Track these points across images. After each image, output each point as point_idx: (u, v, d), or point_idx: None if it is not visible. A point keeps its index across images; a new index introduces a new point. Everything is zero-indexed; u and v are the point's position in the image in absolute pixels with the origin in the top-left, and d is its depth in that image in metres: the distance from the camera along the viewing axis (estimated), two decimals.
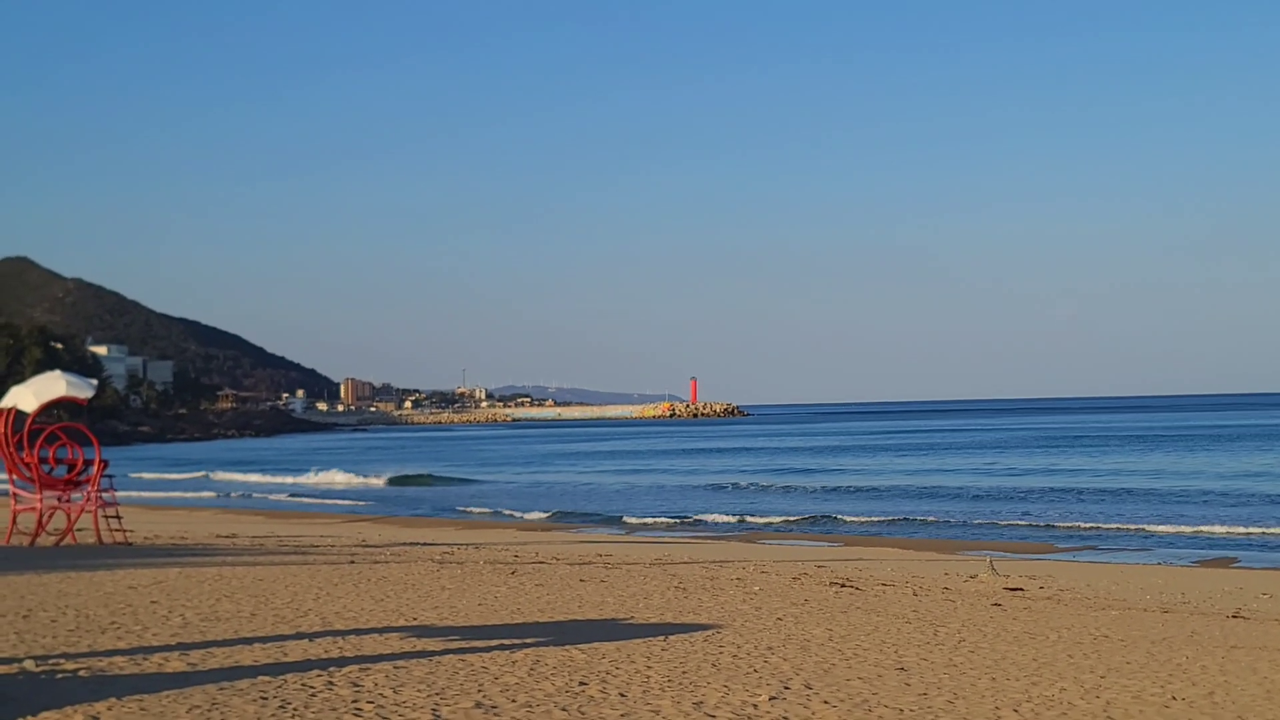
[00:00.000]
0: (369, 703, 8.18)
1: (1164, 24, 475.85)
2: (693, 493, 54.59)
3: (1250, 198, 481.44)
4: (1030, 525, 37.11)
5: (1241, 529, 34.36)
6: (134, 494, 45.46)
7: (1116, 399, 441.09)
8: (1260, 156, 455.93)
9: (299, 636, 10.88)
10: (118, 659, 9.49)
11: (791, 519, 39.91)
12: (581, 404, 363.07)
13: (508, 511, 44.55)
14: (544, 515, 43.01)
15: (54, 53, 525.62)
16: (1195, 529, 34.66)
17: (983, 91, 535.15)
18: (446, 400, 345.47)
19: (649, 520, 40.59)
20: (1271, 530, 33.86)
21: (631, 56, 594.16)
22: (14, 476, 22.27)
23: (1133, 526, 35.30)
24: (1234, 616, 16.15)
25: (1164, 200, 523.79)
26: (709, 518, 40.83)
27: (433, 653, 10.17)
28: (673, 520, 40.42)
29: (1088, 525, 36.05)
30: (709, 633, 11.91)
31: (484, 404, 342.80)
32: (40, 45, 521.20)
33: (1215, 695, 9.33)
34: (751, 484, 57.96)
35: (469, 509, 46.89)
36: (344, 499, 53.68)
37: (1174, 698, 9.17)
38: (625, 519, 40.97)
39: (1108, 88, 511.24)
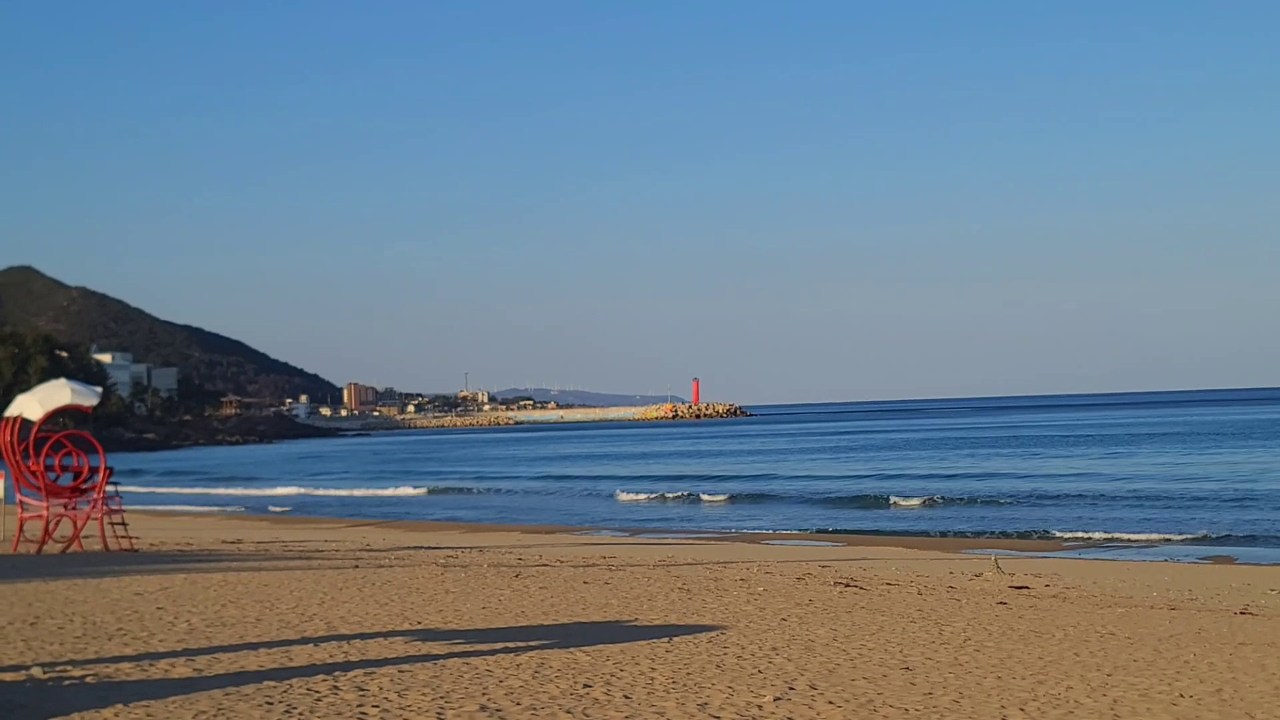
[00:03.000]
0: (374, 707, 8.18)
1: (1168, 20, 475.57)
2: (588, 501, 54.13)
3: (1247, 193, 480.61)
4: (1035, 528, 36.98)
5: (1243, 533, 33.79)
6: (187, 507, 45.50)
7: (1122, 395, 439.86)
8: (1263, 151, 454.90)
9: (304, 641, 10.88)
10: (124, 665, 9.50)
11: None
12: (584, 406, 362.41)
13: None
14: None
15: (55, 62, 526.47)
16: (1202, 534, 33.81)
17: (982, 88, 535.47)
18: (449, 404, 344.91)
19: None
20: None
21: (632, 57, 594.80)
22: (20, 484, 22.31)
23: (1138, 536, 34.83)
24: (1242, 613, 16.13)
25: (1165, 194, 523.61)
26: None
27: (437, 656, 10.18)
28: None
29: (1097, 532, 35.37)
30: (713, 634, 11.91)
31: (486, 407, 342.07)
32: (42, 54, 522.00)
33: (1223, 692, 9.32)
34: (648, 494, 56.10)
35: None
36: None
37: (1182, 695, 9.15)
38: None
39: (1109, 84, 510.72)
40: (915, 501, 47.04)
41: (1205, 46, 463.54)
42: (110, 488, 22.94)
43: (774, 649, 11.00)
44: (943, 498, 47.80)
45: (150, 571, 17.50)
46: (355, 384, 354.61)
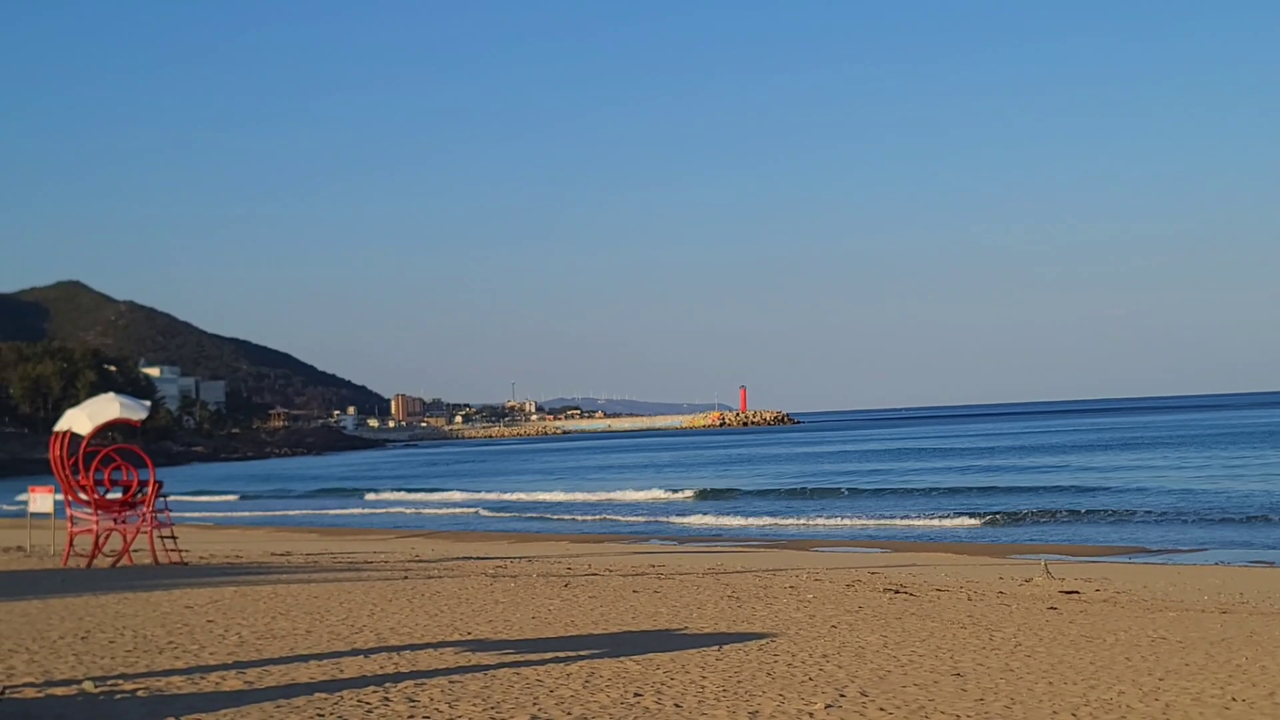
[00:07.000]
0: (425, 718, 8.21)
1: (1216, 20, 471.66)
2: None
3: None
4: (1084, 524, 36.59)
5: None
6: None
7: (1174, 398, 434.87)
8: None
9: (354, 653, 10.93)
10: (175, 678, 9.57)
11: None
12: (631, 415, 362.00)
13: None
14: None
15: (101, 78, 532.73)
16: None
17: (1033, 91, 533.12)
18: (497, 414, 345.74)
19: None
20: None
21: (675, 62, 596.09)
22: (70, 499, 22.49)
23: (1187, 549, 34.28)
24: None
25: (1213, 197, 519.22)
26: None
27: (487, 667, 10.20)
28: None
29: (1152, 543, 34.41)
30: (763, 641, 11.88)
31: (534, 417, 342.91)
32: (87, 71, 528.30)
33: (1276, 696, 9.21)
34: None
35: None
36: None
37: (1234, 699, 9.06)
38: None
39: (1158, 85, 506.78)
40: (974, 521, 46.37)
41: (1257, 46, 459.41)
42: (159, 501, 23.12)
43: (824, 656, 10.97)
44: (998, 514, 46.60)
45: (200, 584, 17.63)
46: (402, 395, 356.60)
